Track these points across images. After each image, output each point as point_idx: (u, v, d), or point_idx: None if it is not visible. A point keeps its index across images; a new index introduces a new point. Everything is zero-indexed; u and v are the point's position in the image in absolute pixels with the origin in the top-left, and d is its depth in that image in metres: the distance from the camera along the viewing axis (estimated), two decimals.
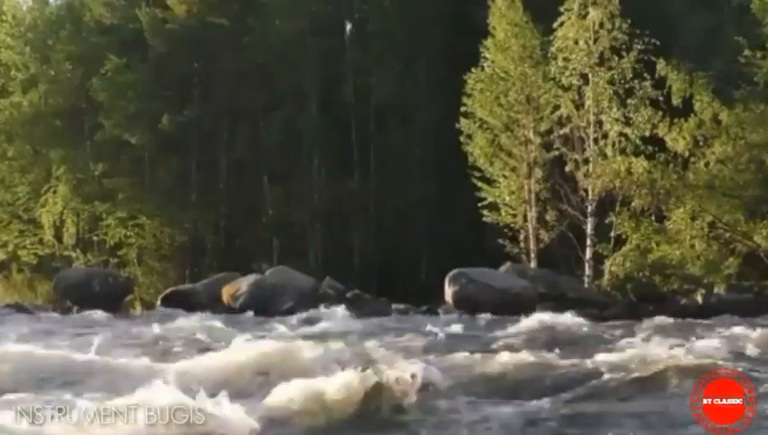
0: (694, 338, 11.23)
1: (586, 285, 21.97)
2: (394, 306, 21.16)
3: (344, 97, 30.36)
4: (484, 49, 24.00)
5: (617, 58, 22.09)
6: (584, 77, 22.50)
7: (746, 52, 21.10)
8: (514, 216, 23.72)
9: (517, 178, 23.70)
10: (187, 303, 22.32)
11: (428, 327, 14.33)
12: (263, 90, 29.57)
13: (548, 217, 23.21)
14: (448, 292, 19.82)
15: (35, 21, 34.63)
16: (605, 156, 22.09)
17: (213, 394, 6.47)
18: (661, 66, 21.45)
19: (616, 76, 22.08)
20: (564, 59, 22.57)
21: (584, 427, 6.27)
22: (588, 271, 22.22)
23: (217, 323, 16.05)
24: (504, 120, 23.82)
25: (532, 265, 23.06)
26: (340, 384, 6.75)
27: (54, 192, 32.23)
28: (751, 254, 20.72)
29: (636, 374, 8.15)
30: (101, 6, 32.03)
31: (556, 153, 23.00)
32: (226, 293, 22.50)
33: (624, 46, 21.95)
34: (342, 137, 29.85)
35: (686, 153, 21.24)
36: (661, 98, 21.58)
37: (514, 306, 18.02)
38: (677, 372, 8.06)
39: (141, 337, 12.58)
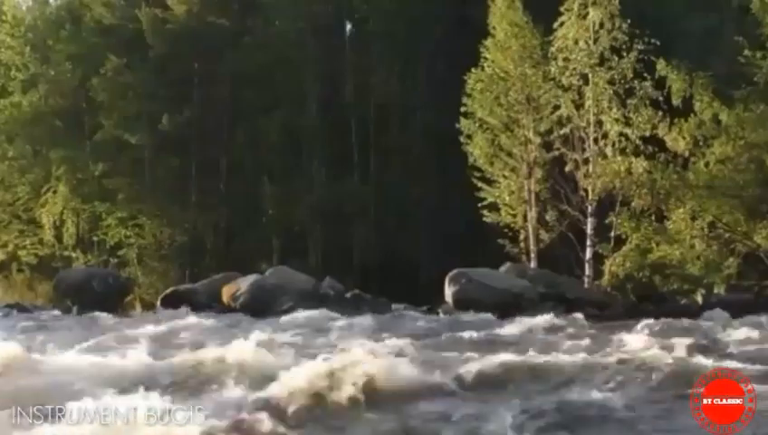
0: (694, 338, 11.22)
1: (586, 285, 21.95)
2: (394, 306, 21.16)
3: (344, 97, 30.35)
4: (484, 49, 23.99)
5: (617, 58, 22.06)
6: (584, 77, 22.48)
7: (746, 52, 21.07)
8: (514, 216, 23.71)
9: (517, 178, 23.68)
10: (186, 303, 22.33)
11: (428, 327, 14.33)
12: (263, 90, 29.56)
13: (548, 217, 23.19)
14: (448, 292, 19.81)
15: (35, 21, 34.65)
16: (605, 156, 22.07)
17: (211, 394, 6.47)
18: (661, 66, 21.43)
19: (616, 76, 22.05)
20: (564, 59, 22.55)
21: (584, 427, 6.27)
22: (588, 271, 22.20)
23: (217, 323, 16.07)
24: (504, 121, 23.81)
25: (532, 265, 23.05)
26: (335, 383, 6.75)
27: (54, 192, 32.22)
28: (751, 254, 20.70)
29: (636, 374, 8.15)
30: (101, 6, 32.02)
31: (556, 153, 22.97)
32: (226, 293, 22.50)
33: (624, 46, 21.92)
34: (342, 137, 29.83)
35: (686, 153, 21.22)
36: (661, 98, 21.56)
37: (514, 306, 18.03)
38: (677, 373, 8.07)
39: (141, 337, 12.57)
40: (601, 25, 22.27)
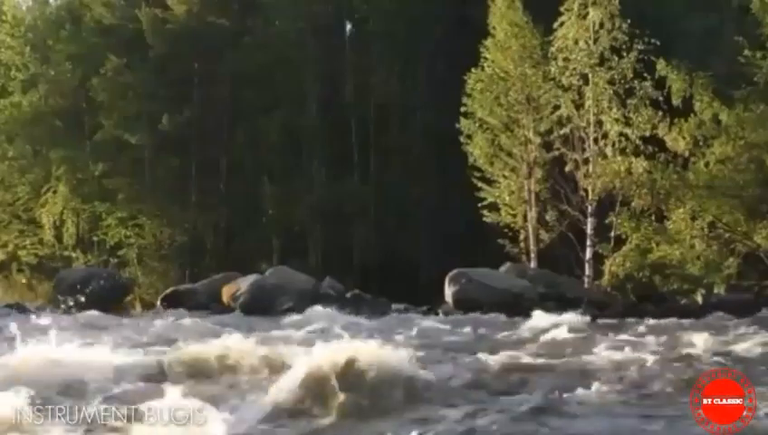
0: (693, 338, 11.22)
1: (586, 285, 21.97)
2: (394, 306, 21.15)
3: (344, 97, 30.37)
4: (484, 49, 24.01)
5: (617, 58, 22.09)
6: (584, 77, 22.50)
7: (746, 52, 21.07)
8: (514, 216, 23.73)
9: (517, 178, 23.71)
10: (186, 303, 22.36)
11: (428, 327, 14.32)
12: (263, 90, 29.57)
13: (548, 217, 23.21)
14: (448, 292, 19.83)
15: (35, 21, 34.67)
16: (605, 156, 22.09)
17: (211, 394, 6.47)
18: (661, 66, 21.44)
19: (616, 76, 22.07)
20: (564, 59, 22.57)
21: (583, 426, 6.27)
22: (588, 271, 22.22)
23: (216, 323, 16.07)
24: (504, 121, 23.84)
25: (532, 265, 23.07)
26: (334, 383, 6.74)
27: (54, 192, 32.24)
28: (751, 254, 20.70)
29: (635, 375, 8.15)
30: (101, 6, 32.03)
31: (556, 153, 23.00)
32: (226, 293, 22.51)
33: (624, 46, 21.95)
34: (342, 137, 29.85)
35: (686, 153, 21.23)
36: (661, 98, 21.57)
37: (514, 306, 18.03)
38: (677, 373, 8.07)
39: (140, 337, 12.58)
40: (601, 25, 22.29)
